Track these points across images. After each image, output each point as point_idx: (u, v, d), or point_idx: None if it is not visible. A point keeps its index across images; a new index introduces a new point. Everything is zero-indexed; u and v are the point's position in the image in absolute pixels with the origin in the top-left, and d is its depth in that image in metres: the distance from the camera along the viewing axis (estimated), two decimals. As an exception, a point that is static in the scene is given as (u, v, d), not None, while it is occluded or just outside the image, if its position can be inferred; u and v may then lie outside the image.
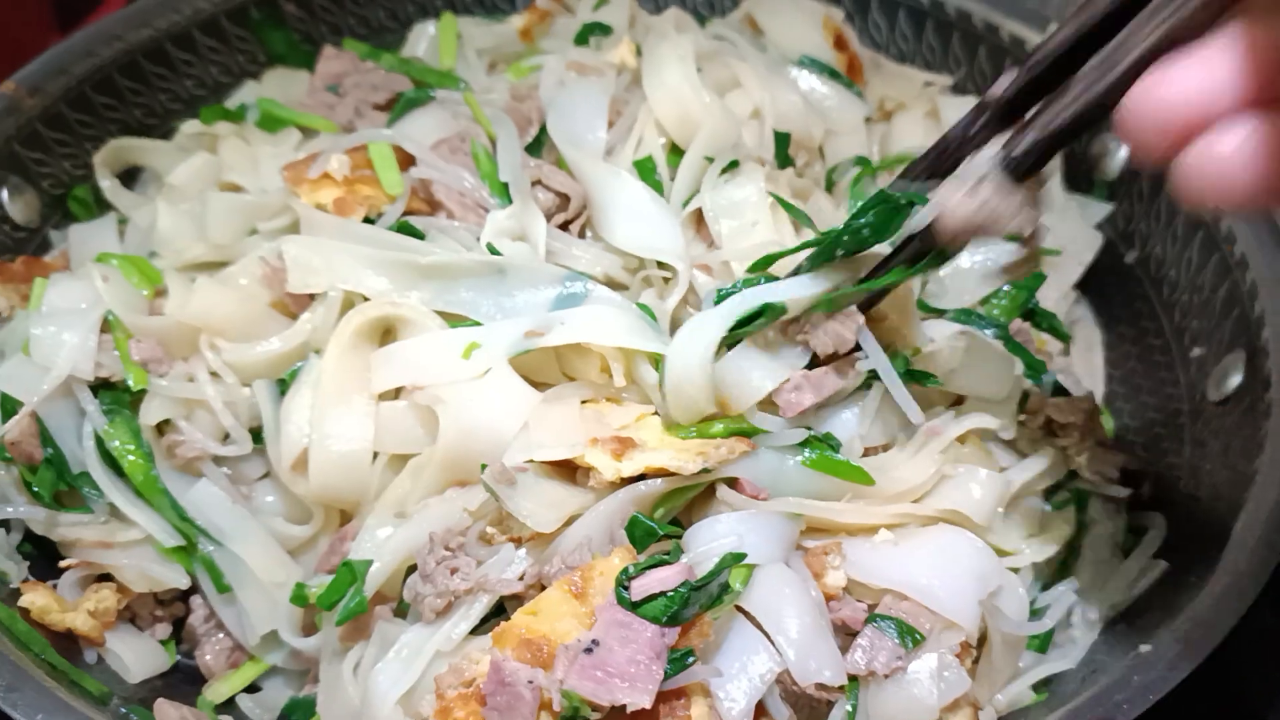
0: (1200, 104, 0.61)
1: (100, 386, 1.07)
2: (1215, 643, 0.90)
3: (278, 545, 1.06)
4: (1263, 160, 0.60)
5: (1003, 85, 0.84)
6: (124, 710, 0.96)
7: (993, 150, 0.84)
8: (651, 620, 0.83)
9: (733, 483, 0.96)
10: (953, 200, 0.84)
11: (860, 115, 1.31)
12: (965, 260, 1.16)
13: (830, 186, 1.27)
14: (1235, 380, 1.14)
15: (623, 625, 0.83)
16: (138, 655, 1.06)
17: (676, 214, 1.11)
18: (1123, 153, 1.35)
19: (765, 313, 0.95)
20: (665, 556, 0.88)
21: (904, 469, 1.00)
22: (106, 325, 1.09)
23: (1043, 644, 1.03)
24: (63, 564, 1.04)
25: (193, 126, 1.34)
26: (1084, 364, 1.32)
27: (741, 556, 0.89)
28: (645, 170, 1.16)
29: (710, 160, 1.14)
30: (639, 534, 0.91)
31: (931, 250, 0.90)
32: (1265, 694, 1.15)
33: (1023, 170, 0.82)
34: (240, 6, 1.44)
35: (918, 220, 0.89)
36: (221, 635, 1.09)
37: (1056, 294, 1.31)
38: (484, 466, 0.95)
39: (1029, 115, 0.82)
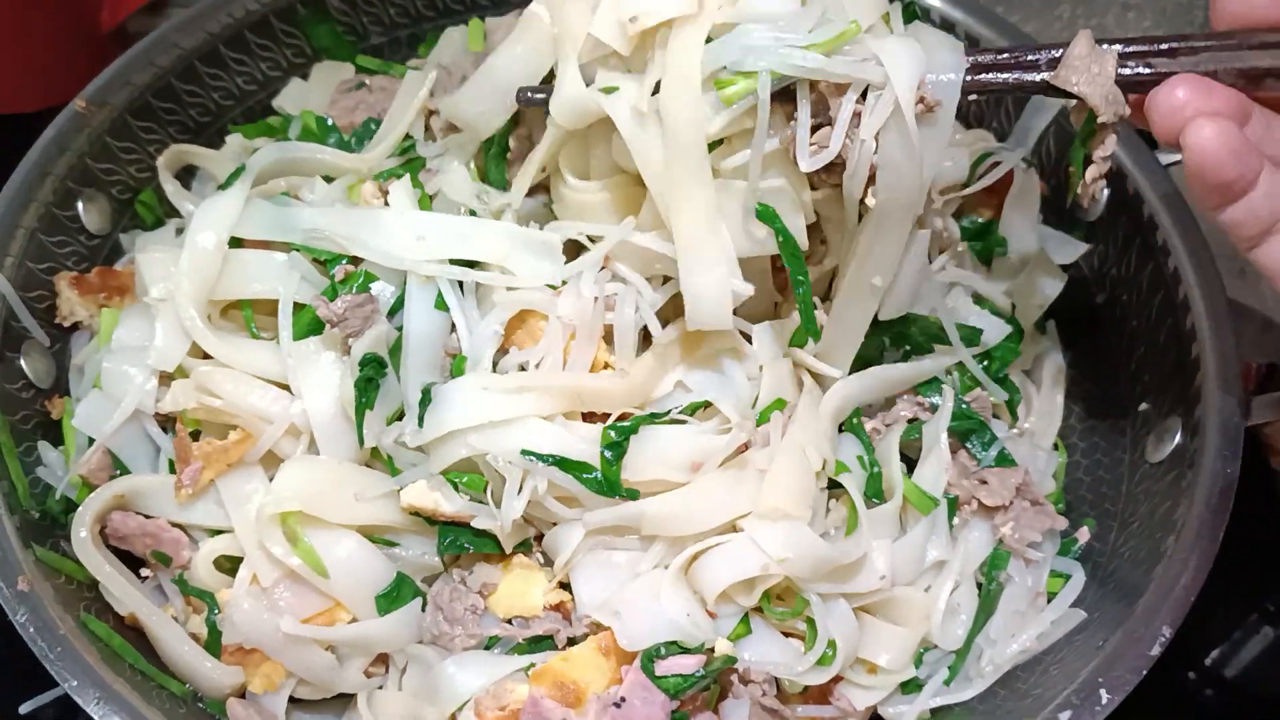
0: None
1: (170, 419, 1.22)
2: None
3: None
4: None
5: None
6: (201, 705, 1.14)
7: None
8: (665, 691, 1.05)
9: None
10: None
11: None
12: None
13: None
14: (1171, 446, 1.21)
15: (645, 689, 1.05)
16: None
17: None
18: (1105, 195, 1.37)
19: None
20: (687, 646, 1.07)
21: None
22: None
23: (949, 677, 1.18)
24: (143, 572, 1.21)
25: (236, 141, 1.46)
26: (1047, 399, 1.39)
27: (733, 659, 1.08)
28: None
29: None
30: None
31: None
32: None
33: None
34: (289, 5, 1.53)
35: None
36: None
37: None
38: None
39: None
